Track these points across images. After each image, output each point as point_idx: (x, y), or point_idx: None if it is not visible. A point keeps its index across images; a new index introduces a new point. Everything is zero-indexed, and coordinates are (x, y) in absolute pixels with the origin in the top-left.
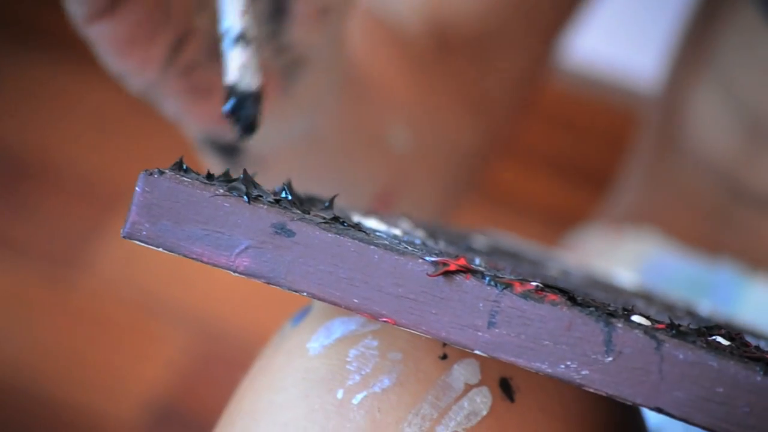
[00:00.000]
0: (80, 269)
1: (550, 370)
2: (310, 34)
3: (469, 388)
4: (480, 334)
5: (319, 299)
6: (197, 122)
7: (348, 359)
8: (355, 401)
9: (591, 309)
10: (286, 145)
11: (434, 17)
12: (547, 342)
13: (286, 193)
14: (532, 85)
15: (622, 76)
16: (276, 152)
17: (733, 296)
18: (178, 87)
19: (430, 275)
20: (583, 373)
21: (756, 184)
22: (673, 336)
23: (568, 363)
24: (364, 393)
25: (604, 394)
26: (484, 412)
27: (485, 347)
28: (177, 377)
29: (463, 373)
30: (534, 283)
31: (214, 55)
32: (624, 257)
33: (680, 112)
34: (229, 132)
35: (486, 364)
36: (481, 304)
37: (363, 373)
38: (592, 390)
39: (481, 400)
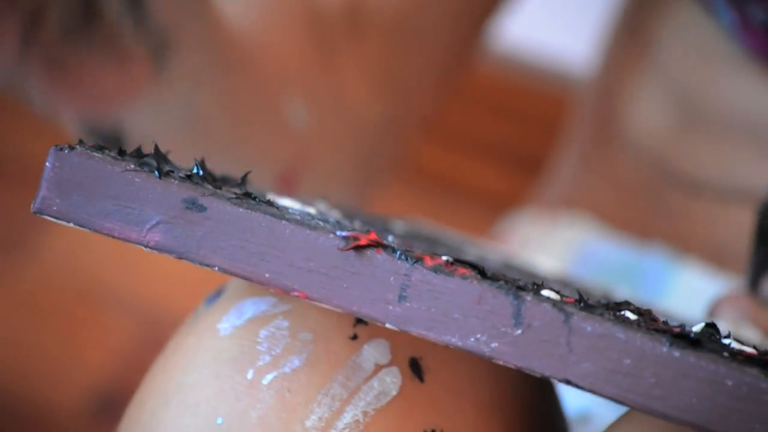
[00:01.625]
0: (24, 257)
1: (460, 344)
2: (171, 14)
3: (379, 368)
4: (391, 308)
5: (231, 274)
6: (69, 108)
7: (258, 339)
8: (265, 381)
9: (501, 283)
10: (170, 130)
11: None
12: (457, 315)
13: (197, 169)
14: (458, 69)
15: (556, 61)
16: (160, 139)
17: (663, 281)
18: (42, 69)
19: (341, 249)
20: (493, 345)
21: (687, 168)
22: (581, 309)
23: (478, 336)
24: (274, 373)
25: (513, 367)
26: (394, 392)
27: (396, 321)
28: (122, 364)
29: (373, 353)
30: (444, 258)
31: (76, 28)
32: (556, 244)
33: (614, 96)
34: (107, 118)
35: (396, 344)
36: (392, 278)
37: (273, 353)
38: (501, 363)
39: (391, 381)
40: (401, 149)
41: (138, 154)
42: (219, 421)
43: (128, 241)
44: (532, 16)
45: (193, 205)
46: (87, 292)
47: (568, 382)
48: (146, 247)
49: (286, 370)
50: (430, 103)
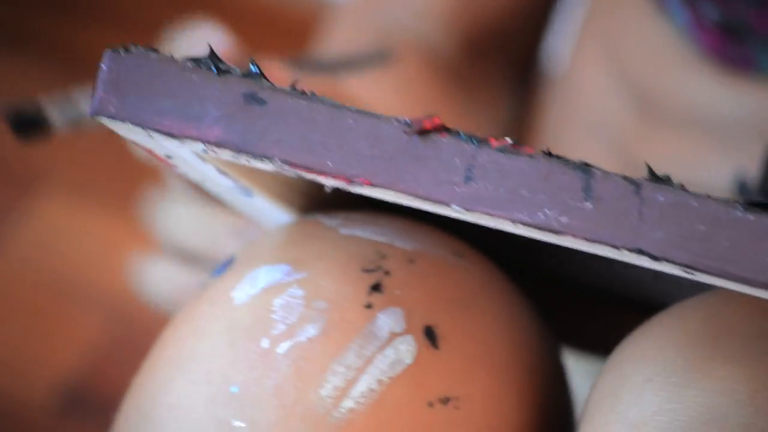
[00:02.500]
0: None
1: (529, 220)
2: None
3: (393, 336)
4: (457, 189)
5: (293, 166)
6: None
7: (273, 308)
8: (280, 350)
9: (568, 160)
10: None
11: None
12: (525, 193)
13: (254, 68)
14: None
15: None
16: None
17: None
18: None
19: (406, 133)
20: (563, 220)
21: (643, 159)
22: (652, 181)
23: (547, 211)
24: (290, 342)
25: (583, 241)
26: (409, 361)
27: (463, 201)
28: (91, 360)
29: (387, 321)
30: (509, 139)
31: None
32: None
33: (578, 90)
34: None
35: (411, 312)
36: (457, 160)
37: (288, 322)
38: (571, 237)
39: (406, 348)
40: None
41: (193, 58)
42: (233, 389)
43: (188, 137)
44: None
45: (252, 99)
46: (56, 287)
47: (641, 252)
48: (206, 142)
49: (302, 338)
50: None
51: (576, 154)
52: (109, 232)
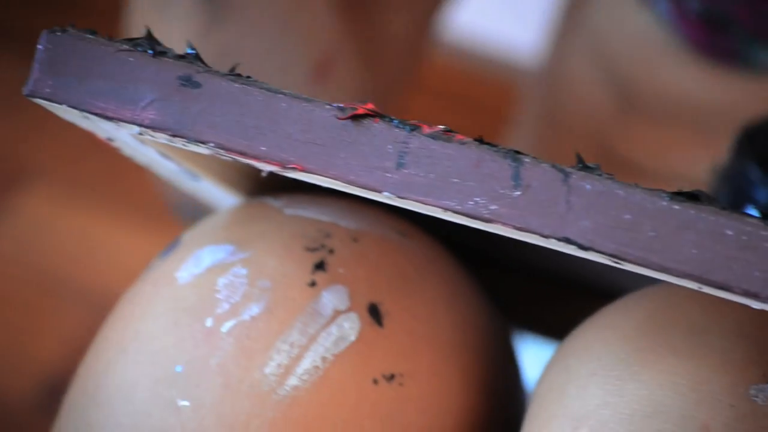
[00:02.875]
0: None
1: (459, 207)
2: None
3: (337, 314)
4: (389, 175)
5: (227, 150)
6: None
7: (217, 288)
8: (224, 329)
9: (499, 147)
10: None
11: None
12: (456, 180)
13: (190, 50)
14: (418, 55)
15: (502, 49)
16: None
17: None
18: None
19: (339, 119)
20: (492, 208)
21: (626, 152)
22: (580, 170)
23: (477, 199)
24: (233, 321)
25: (512, 229)
26: (353, 338)
27: (394, 188)
28: (74, 355)
29: (331, 299)
30: (442, 126)
31: None
32: None
33: (560, 83)
34: None
35: (355, 290)
36: (389, 146)
37: (232, 301)
38: (500, 225)
39: (350, 326)
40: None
41: (129, 39)
42: (178, 369)
43: (122, 120)
44: (480, 4)
45: (188, 82)
46: (39, 281)
47: (568, 240)
48: (141, 125)
49: (245, 317)
50: (400, 86)
51: (558, 148)
52: (93, 227)
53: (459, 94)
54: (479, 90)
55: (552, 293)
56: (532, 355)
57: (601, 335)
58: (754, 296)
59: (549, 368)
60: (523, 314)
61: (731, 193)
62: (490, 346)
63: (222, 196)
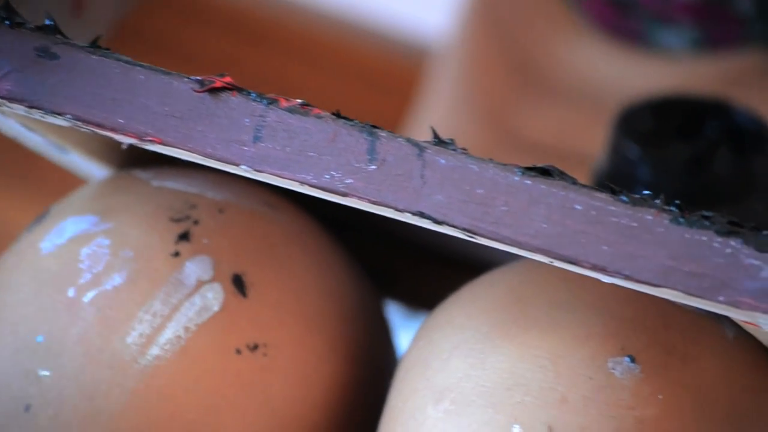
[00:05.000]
0: None
1: (315, 181)
2: None
3: (201, 284)
4: (246, 148)
5: (84, 122)
6: None
7: (80, 258)
8: (85, 299)
9: (355, 121)
10: None
11: None
12: (312, 154)
13: (49, 22)
14: None
15: (411, 31)
16: None
17: None
18: None
19: (196, 91)
20: (347, 182)
21: (527, 132)
22: (434, 145)
23: (333, 173)
24: (95, 291)
25: (367, 203)
26: (216, 308)
27: (251, 161)
28: None
29: (195, 269)
30: (299, 100)
31: None
32: None
33: (465, 64)
34: None
35: (219, 260)
36: (247, 120)
37: (94, 271)
38: (356, 199)
39: (213, 296)
40: None
41: None
42: (39, 338)
43: None
44: None
45: (45, 53)
46: None
47: (422, 215)
48: None
49: (107, 287)
50: None
51: (463, 127)
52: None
53: (367, 76)
54: (387, 72)
55: (427, 266)
56: (408, 328)
57: (464, 309)
58: (602, 270)
59: (414, 342)
60: (398, 287)
61: (614, 172)
62: (360, 317)
63: (93, 169)
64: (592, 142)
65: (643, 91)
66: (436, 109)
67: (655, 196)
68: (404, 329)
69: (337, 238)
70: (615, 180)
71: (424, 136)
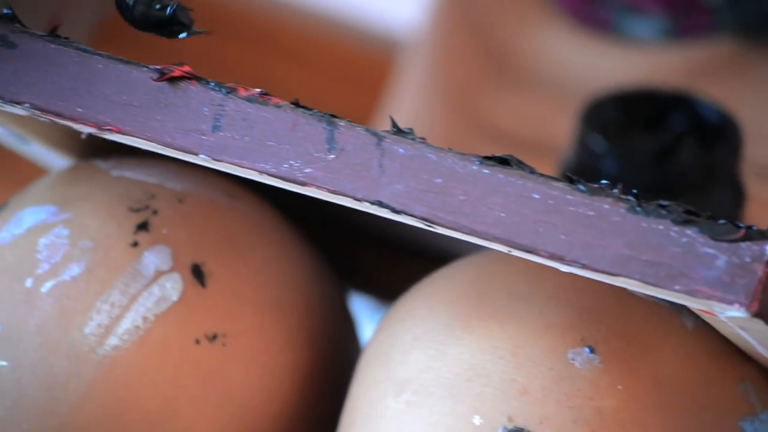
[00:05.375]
0: None
1: (274, 170)
2: None
3: (159, 274)
4: (205, 137)
5: (42, 111)
6: None
7: (38, 248)
8: (43, 289)
9: (315, 111)
10: None
11: None
12: (271, 143)
13: (7, 11)
14: None
15: (382, 22)
16: None
17: None
18: None
19: (155, 80)
20: (306, 171)
21: (497, 121)
22: (393, 134)
23: (292, 162)
24: (53, 281)
25: (327, 192)
26: (175, 298)
27: (210, 150)
28: None
29: (153, 259)
30: (258, 89)
31: None
32: None
33: (436, 54)
34: None
35: (178, 250)
36: (206, 109)
37: (52, 261)
38: (315, 188)
39: (172, 286)
40: None
41: None
42: None
43: None
44: None
45: (3, 42)
46: None
47: (380, 204)
48: None
49: (66, 278)
50: None
51: (435, 118)
52: None
53: (339, 68)
54: (359, 63)
55: (390, 257)
56: (374, 319)
57: (425, 301)
58: (560, 259)
59: (375, 333)
60: (361, 278)
61: (579, 164)
62: (321, 308)
63: (54, 160)
64: (562, 131)
65: (613, 81)
66: (408, 100)
67: (613, 185)
68: (370, 320)
69: (299, 229)
70: (581, 172)
71: None
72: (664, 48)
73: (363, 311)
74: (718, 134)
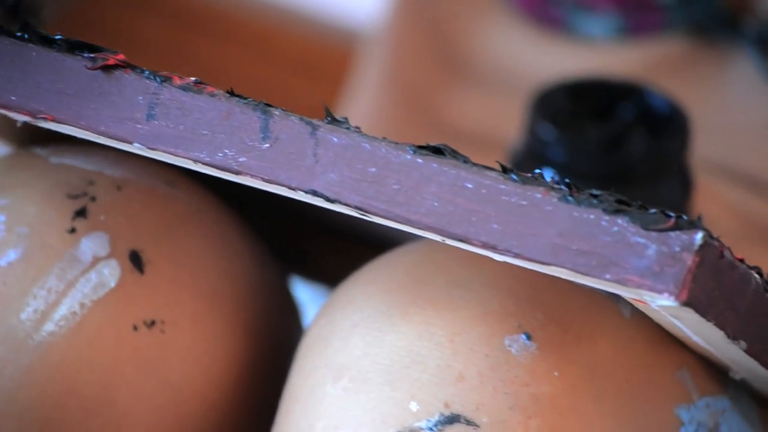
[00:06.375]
0: None
1: (208, 159)
2: None
3: (97, 260)
4: (139, 126)
5: None
6: None
7: None
8: None
9: (249, 100)
10: None
11: None
12: (205, 132)
13: None
14: None
15: (342, 16)
16: None
17: None
18: None
19: (89, 69)
20: (241, 160)
21: (455, 119)
22: (328, 123)
23: (226, 151)
24: None
25: (261, 181)
26: (112, 284)
27: (144, 139)
28: None
29: (91, 246)
30: (193, 78)
31: None
32: None
33: (393, 50)
34: None
35: (116, 237)
36: (140, 98)
37: None
38: (249, 177)
39: (110, 273)
40: None
41: None
42: None
43: None
44: None
45: None
46: None
47: (315, 193)
48: None
49: (2, 263)
50: None
51: (392, 114)
52: None
53: (299, 61)
54: (319, 57)
55: (337, 245)
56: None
57: (364, 288)
58: (492, 248)
59: (315, 320)
60: (308, 265)
61: (529, 153)
62: (261, 295)
63: None
64: (515, 127)
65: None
66: (364, 96)
67: (546, 175)
68: (317, 307)
69: (243, 217)
70: (530, 161)
71: (353, 121)
72: (617, 46)
73: (314, 299)
74: (667, 124)
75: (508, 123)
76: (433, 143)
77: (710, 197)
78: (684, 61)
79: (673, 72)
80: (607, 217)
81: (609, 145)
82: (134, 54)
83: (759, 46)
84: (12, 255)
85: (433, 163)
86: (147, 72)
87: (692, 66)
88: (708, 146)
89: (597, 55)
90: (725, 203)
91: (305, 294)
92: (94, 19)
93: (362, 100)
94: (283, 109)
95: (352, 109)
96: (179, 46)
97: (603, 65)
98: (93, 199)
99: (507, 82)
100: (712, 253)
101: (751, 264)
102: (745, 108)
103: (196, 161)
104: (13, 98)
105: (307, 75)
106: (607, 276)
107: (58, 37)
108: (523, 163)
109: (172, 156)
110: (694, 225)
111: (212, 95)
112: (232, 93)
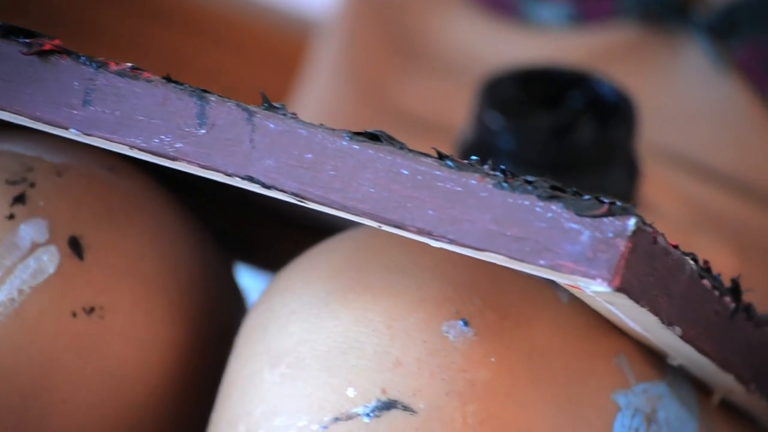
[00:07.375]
0: None
1: (144, 145)
2: None
3: (36, 246)
4: (75, 112)
5: None
6: None
7: None
8: None
9: (186, 86)
10: None
11: None
12: (141, 117)
13: None
14: None
15: (297, 2)
16: None
17: None
18: None
19: (24, 54)
20: (177, 146)
21: (408, 106)
22: (265, 109)
23: (162, 137)
24: None
25: (197, 168)
26: (51, 271)
27: (80, 125)
28: None
29: (30, 232)
30: (129, 64)
31: None
32: None
33: (346, 36)
34: None
35: (56, 223)
36: (76, 83)
37: None
38: (185, 163)
39: (49, 259)
40: None
41: None
42: None
43: None
44: None
45: None
46: None
47: (251, 179)
48: None
49: None
50: None
51: (346, 102)
52: None
53: (255, 48)
54: (275, 44)
55: (283, 232)
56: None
57: (302, 275)
58: (428, 234)
59: (254, 307)
60: (255, 252)
61: (477, 141)
62: (203, 281)
63: None
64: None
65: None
66: (319, 83)
67: (482, 161)
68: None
69: (187, 204)
70: (478, 149)
71: (307, 110)
72: (569, 33)
73: (259, 287)
74: (615, 112)
75: (461, 109)
76: (371, 129)
77: (660, 185)
78: (635, 49)
79: (625, 59)
80: (541, 203)
81: (557, 133)
82: (92, 44)
83: (709, 33)
84: None
85: (369, 150)
86: (83, 57)
87: (643, 53)
88: (659, 134)
89: (549, 41)
90: (675, 191)
91: (251, 281)
92: (51, 9)
93: (317, 87)
94: (219, 95)
95: (306, 95)
96: (137, 35)
97: (555, 52)
98: (32, 185)
99: (460, 69)
100: (645, 239)
101: (700, 252)
102: (695, 95)
103: (132, 147)
104: None
105: (261, 61)
106: (541, 262)
107: None
108: (472, 152)
109: (108, 142)
110: (627, 211)
111: (148, 81)
112: (168, 79)
